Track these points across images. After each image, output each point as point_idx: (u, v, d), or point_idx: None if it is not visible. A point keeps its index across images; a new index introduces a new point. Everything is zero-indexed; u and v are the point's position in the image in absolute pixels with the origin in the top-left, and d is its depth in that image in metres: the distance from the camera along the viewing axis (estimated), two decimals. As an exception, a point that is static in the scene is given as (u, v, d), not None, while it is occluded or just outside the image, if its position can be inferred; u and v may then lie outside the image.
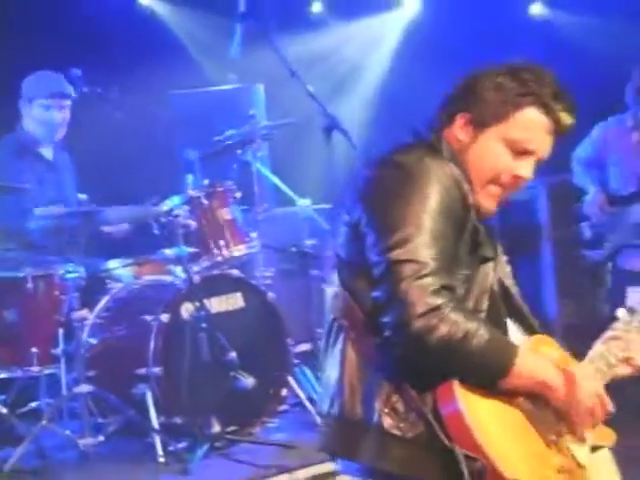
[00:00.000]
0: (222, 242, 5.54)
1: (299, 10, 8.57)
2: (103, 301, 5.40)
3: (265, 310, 5.51)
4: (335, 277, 2.64)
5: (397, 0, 8.83)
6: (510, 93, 2.60)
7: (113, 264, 5.68)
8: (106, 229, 5.79)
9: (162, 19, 8.03)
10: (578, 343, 2.83)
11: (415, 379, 2.41)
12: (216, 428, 5.13)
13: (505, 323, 2.63)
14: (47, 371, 5.22)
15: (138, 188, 6.28)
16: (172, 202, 5.52)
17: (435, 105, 2.74)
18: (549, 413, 2.52)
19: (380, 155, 2.62)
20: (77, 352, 5.15)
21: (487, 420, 2.37)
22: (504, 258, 2.79)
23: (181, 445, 5.02)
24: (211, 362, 5.17)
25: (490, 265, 2.60)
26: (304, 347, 6.05)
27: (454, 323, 2.34)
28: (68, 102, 5.76)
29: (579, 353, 2.76)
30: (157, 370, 5.07)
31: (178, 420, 5.07)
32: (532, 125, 2.61)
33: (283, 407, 5.54)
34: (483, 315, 2.52)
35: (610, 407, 2.62)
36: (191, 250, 5.43)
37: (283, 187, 6.37)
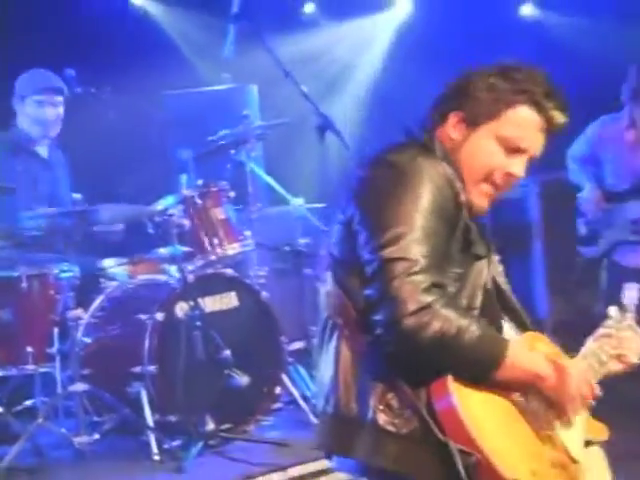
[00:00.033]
0: (216, 241, 5.54)
1: (291, 11, 8.57)
2: (98, 300, 5.41)
3: (259, 309, 5.52)
4: (329, 275, 2.65)
5: (389, 1, 8.84)
6: (502, 92, 2.61)
7: (108, 263, 5.68)
8: (100, 229, 5.78)
9: (155, 19, 8.03)
10: (568, 340, 2.84)
11: (408, 375, 2.42)
12: (210, 426, 5.13)
13: (500, 321, 2.64)
14: (42, 370, 5.21)
15: (132, 188, 6.29)
16: (166, 202, 5.52)
17: (427, 105, 2.75)
18: (542, 408, 2.54)
19: (373, 155, 2.63)
20: (72, 351, 5.15)
21: (481, 415, 2.38)
22: (496, 257, 2.79)
23: (176, 443, 5.02)
24: (205, 360, 5.18)
25: (483, 263, 2.61)
26: (298, 345, 6.06)
27: (446, 319, 2.35)
28: (60, 98, 5.77)
29: (570, 350, 2.77)
30: (152, 369, 5.08)
31: (173, 418, 5.07)
32: (524, 123, 2.63)
33: (277, 405, 5.54)
34: (476, 312, 2.53)
35: (597, 391, 2.65)
36: (185, 249, 5.43)
37: (276, 186, 6.36)
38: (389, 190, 2.49)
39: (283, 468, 4.74)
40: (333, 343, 2.58)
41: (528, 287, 6.85)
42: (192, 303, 5.17)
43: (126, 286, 5.56)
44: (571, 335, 2.81)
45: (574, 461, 2.58)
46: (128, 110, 6.09)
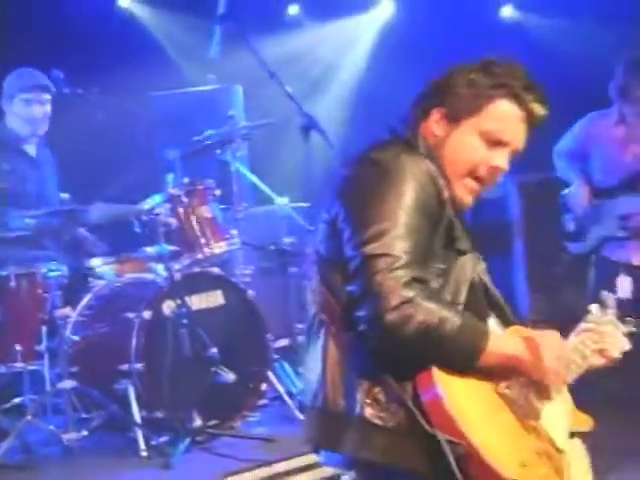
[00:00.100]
0: (203, 240, 5.54)
1: (275, 12, 8.56)
2: (86, 299, 5.42)
3: (245, 307, 5.53)
4: (314, 273, 2.65)
5: (372, 2, 8.85)
6: (482, 87, 2.62)
7: (95, 262, 5.68)
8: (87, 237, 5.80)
9: (141, 21, 8.03)
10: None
11: (394, 369, 2.43)
12: (197, 422, 5.14)
13: (486, 316, 2.65)
14: (31, 367, 5.21)
15: (119, 187, 6.29)
16: (153, 201, 5.53)
17: (410, 103, 2.76)
18: (525, 397, 2.55)
19: (357, 153, 2.63)
20: (60, 349, 5.16)
21: (467, 405, 2.39)
22: (479, 255, 2.80)
23: (163, 439, 5.03)
24: (192, 358, 5.19)
25: (467, 258, 2.61)
26: (283, 342, 6.07)
27: (428, 311, 2.36)
28: (48, 96, 5.77)
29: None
30: (139, 366, 5.09)
31: (160, 415, 5.09)
32: (505, 116, 2.63)
33: (263, 401, 5.56)
34: (461, 307, 2.53)
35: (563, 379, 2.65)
36: (172, 248, 5.44)
37: (262, 186, 6.38)
38: (373, 188, 2.50)
39: (269, 463, 4.74)
40: (320, 340, 2.58)
41: (509, 286, 6.86)
42: (179, 301, 5.19)
43: (114, 284, 5.57)
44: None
45: (559, 451, 2.59)
46: (115, 111, 6.08)
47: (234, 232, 5.73)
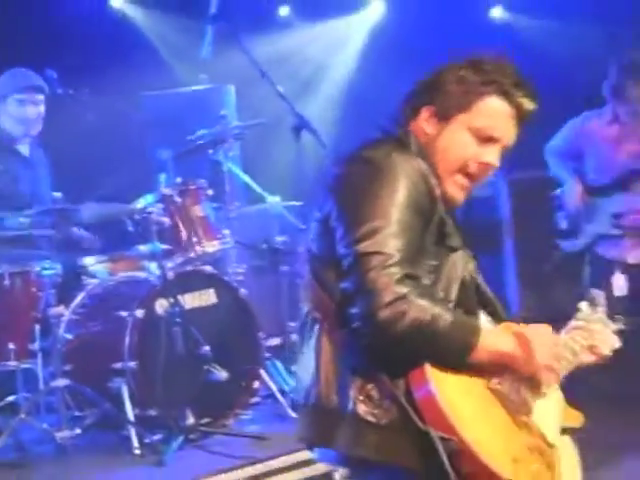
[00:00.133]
0: (195, 239, 5.55)
1: (267, 12, 8.57)
2: (79, 297, 5.41)
3: (237, 305, 5.53)
4: (306, 271, 2.66)
5: (362, 3, 8.85)
6: (472, 84, 2.63)
7: (88, 261, 5.69)
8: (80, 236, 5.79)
9: (133, 22, 8.03)
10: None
11: (387, 366, 2.43)
12: (190, 420, 5.14)
13: (476, 313, 2.66)
14: (24, 366, 5.20)
15: (112, 187, 6.29)
16: (146, 200, 5.53)
17: (400, 102, 2.76)
18: (517, 393, 2.55)
19: (349, 152, 2.63)
20: (54, 347, 5.16)
21: (459, 402, 2.40)
22: (470, 252, 2.81)
23: (156, 437, 5.03)
24: (185, 356, 5.20)
25: (458, 255, 2.62)
26: (275, 341, 6.08)
27: (421, 308, 2.36)
28: (41, 97, 5.76)
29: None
30: (132, 364, 5.09)
31: (153, 413, 5.08)
32: (495, 113, 2.64)
33: (255, 399, 5.56)
34: (452, 305, 2.54)
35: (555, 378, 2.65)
36: (165, 247, 5.45)
37: (254, 185, 6.39)
38: (365, 186, 2.50)
39: (262, 461, 4.75)
40: (313, 338, 2.58)
41: (500, 283, 6.88)
42: (172, 300, 5.19)
43: (107, 283, 5.57)
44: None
45: (550, 446, 2.60)
46: (107, 111, 6.09)
47: (226, 232, 5.74)
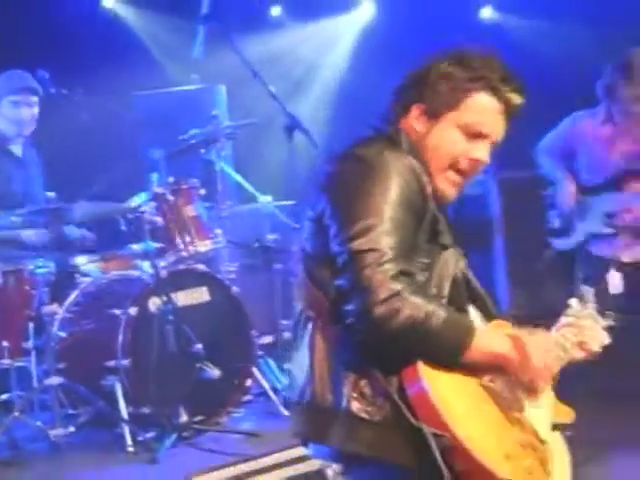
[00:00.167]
0: (188, 238, 5.56)
1: (258, 12, 8.57)
2: (72, 295, 5.43)
3: (230, 303, 5.55)
4: (300, 269, 2.65)
5: (352, 3, 8.86)
6: (460, 81, 2.62)
7: (82, 259, 5.70)
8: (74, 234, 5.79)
9: (125, 22, 8.03)
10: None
11: (380, 363, 2.44)
12: (183, 418, 5.16)
13: (467, 309, 2.67)
14: (18, 364, 5.21)
15: (105, 186, 6.28)
16: (139, 199, 5.55)
17: (390, 99, 2.76)
18: (509, 390, 2.56)
19: (341, 150, 2.63)
20: (47, 345, 5.17)
21: (452, 399, 2.40)
22: (460, 250, 2.82)
23: (150, 435, 5.05)
24: (178, 354, 5.21)
25: (449, 252, 2.63)
26: (267, 339, 6.09)
27: (415, 306, 2.36)
28: (36, 98, 5.76)
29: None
30: (126, 362, 5.10)
31: (146, 410, 5.10)
32: (483, 109, 2.64)
33: (248, 397, 5.58)
34: (445, 301, 2.54)
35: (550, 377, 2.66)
36: (158, 245, 5.46)
37: (245, 185, 6.40)
38: (357, 184, 2.50)
39: (254, 458, 4.75)
40: (307, 336, 2.58)
41: (490, 282, 6.89)
42: (165, 298, 5.20)
43: (100, 282, 5.58)
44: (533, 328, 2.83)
45: (542, 442, 2.61)
46: (99, 111, 6.09)
47: (219, 231, 5.75)
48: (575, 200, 5.70)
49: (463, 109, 2.63)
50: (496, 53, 2.70)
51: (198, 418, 5.25)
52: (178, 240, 5.54)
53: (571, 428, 2.84)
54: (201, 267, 5.60)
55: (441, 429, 2.35)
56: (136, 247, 5.53)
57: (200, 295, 5.45)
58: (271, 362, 5.86)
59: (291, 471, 4.75)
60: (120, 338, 5.12)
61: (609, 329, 2.87)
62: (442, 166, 2.64)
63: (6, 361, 5.15)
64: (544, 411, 2.69)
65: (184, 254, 5.55)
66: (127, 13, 8.02)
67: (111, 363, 5.13)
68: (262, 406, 5.62)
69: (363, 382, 2.45)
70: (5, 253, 5.41)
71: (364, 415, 2.44)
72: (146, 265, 5.51)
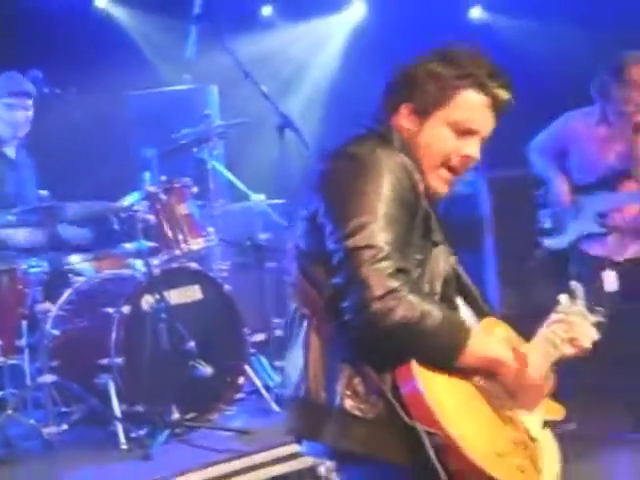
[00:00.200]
0: (180, 236, 5.56)
1: (250, 12, 8.57)
2: (66, 294, 5.41)
3: (222, 301, 5.55)
4: (294, 268, 2.65)
5: (343, 4, 8.87)
6: (448, 79, 2.63)
7: (75, 258, 5.69)
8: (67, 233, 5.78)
9: (118, 22, 8.02)
10: (520, 332, 2.86)
11: (374, 361, 2.44)
12: (176, 415, 5.15)
13: (457, 306, 2.68)
14: (11, 362, 5.20)
15: (98, 185, 6.29)
16: (132, 198, 5.54)
17: (379, 97, 2.76)
18: (501, 390, 2.57)
19: (333, 148, 2.63)
20: (41, 343, 5.16)
21: (445, 397, 2.41)
22: (450, 248, 2.82)
23: (142, 432, 5.03)
24: (171, 352, 5.20)
25: (440, 249, 2.63)
26: (260, 337, 6.09)
27: (411, 305, 2.36)
28: (31, 101, 5.74)
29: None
30: (119, 360, 5.09)
31: (139, 408, 5.09)
32: (472, 106, 2.64)
33: (240, 395, 5.57)
34: (437, 297, 2.55)
35: (551, 385, 2.68)
36: (150, 244, 5.46)
37: (238, 183, 6.41)
38: (350, 182, 2.51)
39: (246, 454, 4.77)
40: (302, 334, 2.58)
41: (480, 281, 6.89)
42: (157, 296, 5.20)
43: (93, 280, 5.57)
44: (523, 327, 2.84)
45: (533, 440, 2.62)
46: (92, 110, 6.10)
47: (211, 229, 5.75)
48: (570, 199, 5.71)
49: (452, 107, 2.64)
50: (482, 49, 2.70)
51: (190, 415, 5.25)
52: (171, 238, 5.54)
53: (568, 424, 2.84)
54: (194, 265, 5.60)
55: (434, 428, 2.35)
56: (129, 246, 5.52)
57: (193, 293, 5.45)
58: (263, 360, 5.86)
59: (283, 468, 4.78)
60: (113, 336, 5.11)
61: (598, 325, 2.88)
62: (434, 164, 2.65)
63: (-1, 359, 5.15)
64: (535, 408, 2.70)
65: (177, 252, 5.54)
66: (120, 13, 8.01)
67: (104, 361, 5.12)
68: (254, 403, 5.62)
69: (357, 379, 2.45)
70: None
71: (357, 412, 2.44)
72: (139, 264, 5.50)
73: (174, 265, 5.52)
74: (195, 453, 4.90)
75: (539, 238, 5.91)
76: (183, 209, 5.62)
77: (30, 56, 6.30)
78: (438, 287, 2.59)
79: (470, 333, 2.46)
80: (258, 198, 6.34)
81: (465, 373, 2.50)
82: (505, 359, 2.54)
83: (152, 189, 5.56)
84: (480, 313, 2.78)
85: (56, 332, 5.29)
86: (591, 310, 2.86)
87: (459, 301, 2.73)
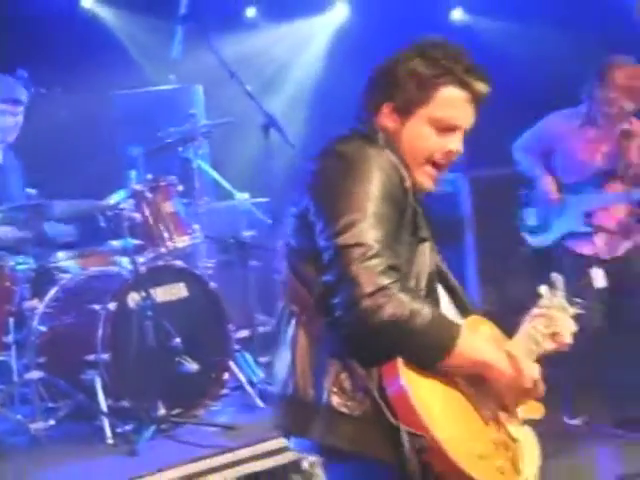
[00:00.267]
0: (166, 234, 5.55)
1: (234, 13, 8.57)
2: (53, 291, 5.39)
3: (207, 298, 5.54)
4: (283, 265, 2.65)
5: (326, 5, 8.87)
6: (426, 77, 2.63)
7: (61, 256, 5.67)
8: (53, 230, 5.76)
9: (104, 22, 7.99)
10: (501, 328, 2.86)
11: (362, 358, 2.43)
12: (162, 411, 5.14)
13: (439, 302, 2.66)
14: (-2, 358, 5.20)
15: (84, 183, 6.28)
16: (118, 196, 5.53)
17: (360, 97, 2.76)
18: (484, 391, 2.56)
19: (322, 147, 2.63)
20: (28, 340, 5.16)
21: (429, 398, 2.40)
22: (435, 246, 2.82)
23: (129, 427, 5.02)
24: (157, 348, 5.19)
25: (427, 245, 2.63)
26: (244, 333, 6.08)
27: (400, 303, 2.36)
28: (21, 108, 5.69)
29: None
30: (105, 356, 5.08)
31: (126, 404, 5.08)
32: (453, 102, 2.65)
33: (225, 390, 5.56)
34: (422, 293, 2.55)
35: (542, 390, 2.66)
36: (137, 242, 5.45)
37: (222, 182, 6.42)
38: (340, 180, 2.50)
39: (231, 450, 4.77)
40: (290, 331, 2.58)
41: (460, 279, 6.91)
42: (144, 293, 5.19)
43: (80, 277, 5.56)
44: (503, 323, 2.85)
45: (514, 441, 2.62)
46: (78, 109, 6.08)
47: (196, 227, 5.75)
48: (556, 197, 5.73)
49: (433, 105, 2.64)
50: (452, 41, 2.70)
51: (176, 411, 5.24)
52: (156, 236, 5.54)
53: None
54: (179, 263, 5.59)
55: (418, 429, 2.35)
56: (115, 243, 5.52)
57: (178, 291, 5.44)
58: (247, 356, 5.84)
59: (267, 463, 4.78)
60: (99, 332, 5.09)
61: (576, 317, 2.88)
62: (419, 161, 2.66)
63: (-13, 355, 5.14)
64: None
65: (163, 250, 5.53)
66: (106, 13, 7.98)
67: (91, 357, 5.10)
68: (239, 399, 5.61)
69: (343, 375, 2.45)
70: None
71: (344, 409, 2.44)
72: (125, 261, 5.50)
73: (160, 263, 5.51)
74: (181, 448, 4.89)
75: (522, 236, 5.93)
76: (169, 207, 5.62)
77: (16, 56, 6.28)
78: (423, 283, 2.59)
79: (459, 333, 2.45)
80: (242, 196, 6.36)
81: (451, 375, 2.49)
82: (493, 362, 2.53)
83: (138, 187, 5.55)
84: (464, 310, 2.78)
85: (43, 329, 5.28)
86: (570, 302, 2.87)
87: (443, 298, 2.72)
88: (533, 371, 2.61)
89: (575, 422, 5.52)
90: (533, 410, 2.77)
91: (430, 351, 2.43)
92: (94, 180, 6.33)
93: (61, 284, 5.45)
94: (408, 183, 2.57)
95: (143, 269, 5.28)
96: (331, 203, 2.50)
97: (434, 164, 2.68)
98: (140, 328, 5.14)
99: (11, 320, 5.16)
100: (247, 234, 6.19)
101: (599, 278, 5.42)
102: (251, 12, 8.68)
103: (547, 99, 6.22)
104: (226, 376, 5.52)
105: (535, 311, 2.80)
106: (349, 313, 2.39)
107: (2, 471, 4.84)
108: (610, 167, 5.61)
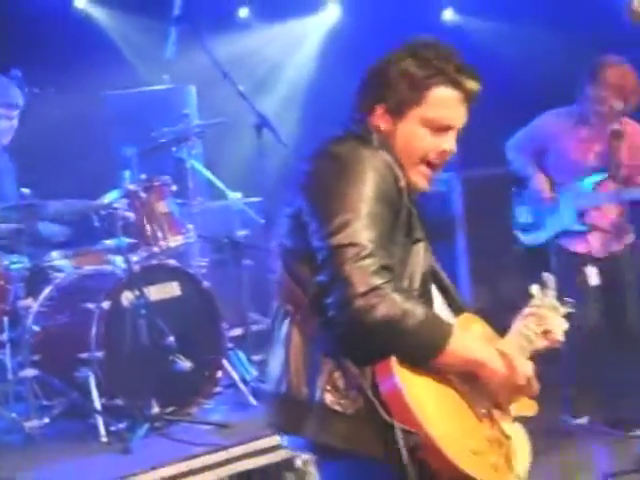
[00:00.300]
0: (160, 233, 5.55)
1: (227, 14, 8.56)
2: (47, 290, 5.39)
3: (201, 297, 5.54)
4: (278, 265, 2.65)
5: (318, 6, 8.87)
6: (418, 77, 2.63)
7: (55, 255, 5.67)
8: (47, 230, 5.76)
9: (97, 22, 7.98)
10: (492, 327, 2.87)
11: (356, 357, 2.43)
12: (155, 409, 5.14)
13: (433, 302, 2.67)
14: (-7, 356, 5.19)
15: (78, 183, 6.27)
16: (112, 196, 5.53)
17: (353, 98, 2.76)
18: (477, 389, 2.56)
19: (316, 148, 2.64)
20: (22, 338, 5.16)
21: (424, 396, 2.41)
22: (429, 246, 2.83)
23: (122, 425, 5.01)
24: (150, 346, 5.20)
25: (421, 246, 2.64)
26: (237, 332, 6.10)
27: (393, 303, 2.36)
28: (16, 112, 5.67)
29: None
30: (99, 354, 5.08)
31: (119, 402, 5.08)
32: (446, 102, 2.66)
33: (218, 388, 5.56)
34: (415, 293, 2.55)
35: (536, 387, 2.68)
36: (130, 241, 5.45)
37: (216, 182, 6.42)
38: (334, 181, 2.51)
39: (224, 448, 4.77)
40: (284, 330, 2.58)
41: (452, 278, 6.92)
42: (137, 292, 5.19)
43: (74, 276, 5.55)
44: (495, 321, 2.86)
45: (507, 437, 2.63)
46: (72, 109, 6.07)
47: (190, 226, 5.76)
48: (550, 196, 5.74)
49: (425, 105, 2.65)
50: (443, 41, 2.71)
51: (170, 409, 5.24)
52: (150, 236, 5.54)
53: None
54: (172, 262, 5.59)
55: (412, 426, 2.36)
56: (109, 243, 5.52)
57: (172, 289, 5.44)
58: (240, 354, 5.84)
59: (261, 461, 4.78)
60: (93, 331, 5.09)
61: (567, 316, 2.89)
62: (413, 161, 2.66)
63: (-19, 354, 5.13)
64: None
65: (156, 249, 5.53)
66: (99, 14, 7.97)
67: (84, 355, 5.10)
68: (232, 397, 5.61)
69: (337, 374, 2.45)
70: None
71: (337, 407, 2.44)
72: (119, 260, 5.49)
73: (153, 262, 5.51)
74: (174, 446, 4.88)
75: (515, 234, 5.95)
76: (162, 207, 5.62)
77: (10, 55, 6.27)
78: (417, 283, 2.59)
79: (452, 333, 2.46)
80: (235, 196, 6.37)
81: (444, 373, 2.50)
82: (485, 360, 2.54)
83: (132, 187, 5.55)
84: (457, 309, 2.78)
85: (37, 327, 5.27)
86: (562, 302, 2.89)
87: (437, 298, 2.73)
88: (526, 368, 2.62)
89: (572, 421, 5.54)
90: (526, 407, 2.78)
91: (422, 350, 2.43)
92: (88, 180, 6.32)
93: (55, 283, 5.45)
94: (403, 183, 2.57)
95: (137, 268, 5.29)
96: (325, 204, 2.50)
97: (429, 164, 2.69)
98: (134, 327, 5.15)
99: (5, 319, 5.16)
100: (240, 233, 6.20)
101: (593, 276, 5.45)
102: (244, 12, 8.67)
103: (538, 99, 6.23)
104: (219, 374, 5.52)
105: (526, 310, 2.81)
106: (342, 313, 2.39)
107: (-3, 469, 4.86)
108: (603, 166, 5.63)
